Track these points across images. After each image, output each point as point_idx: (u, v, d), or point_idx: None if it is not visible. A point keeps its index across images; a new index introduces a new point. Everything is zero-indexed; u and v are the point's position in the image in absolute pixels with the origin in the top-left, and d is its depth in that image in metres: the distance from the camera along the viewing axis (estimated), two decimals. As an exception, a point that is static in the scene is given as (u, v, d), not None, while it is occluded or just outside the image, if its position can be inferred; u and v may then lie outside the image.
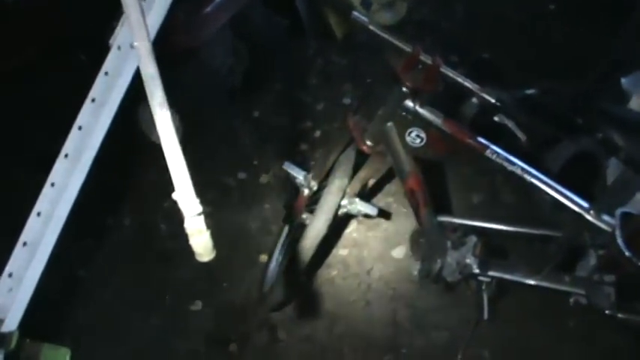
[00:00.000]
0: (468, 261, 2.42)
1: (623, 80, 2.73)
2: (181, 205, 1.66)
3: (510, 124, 2.18)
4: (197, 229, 1.68)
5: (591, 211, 2.23)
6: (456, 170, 3.14)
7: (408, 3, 4.05)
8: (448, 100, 2.27)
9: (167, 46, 2.95)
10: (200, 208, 1.67)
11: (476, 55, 3.71)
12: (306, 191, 2.61)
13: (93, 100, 2.14)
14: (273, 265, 2.79)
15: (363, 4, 3.54)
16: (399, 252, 2.97)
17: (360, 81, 3.56)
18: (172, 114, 3.11)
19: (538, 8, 3.86)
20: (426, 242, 2.49)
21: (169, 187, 1.64)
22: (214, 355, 2.75)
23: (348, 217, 2.91)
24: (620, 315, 2.35)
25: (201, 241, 1.70)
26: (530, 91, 2.47)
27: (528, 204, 2.79)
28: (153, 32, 2.39)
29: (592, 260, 2.40)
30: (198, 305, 2.89)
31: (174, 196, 1.65)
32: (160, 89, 1.67)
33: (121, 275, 3.01)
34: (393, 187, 3.06)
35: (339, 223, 2.96)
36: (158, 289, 2.94)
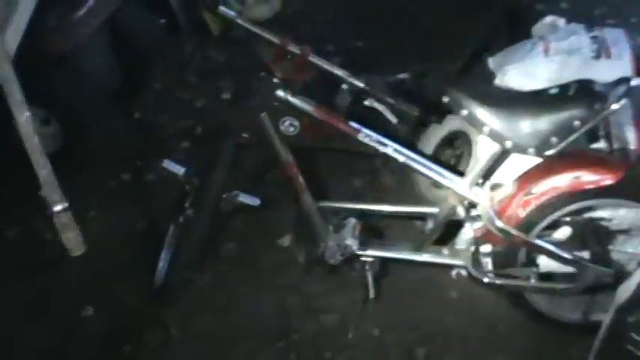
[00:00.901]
0: (348, 242, 2.49)
1: (489, 60, 2.85)
2: (49, 202, 1.66)
3: (381, 107, 2.26)
4: (66, 224, 1.68)
5: (463, 185, 2.34)
6: (337, 157, 3.22)
7: (283, -4, 4.11)
8: (325, 89, 2.33)
9: (41, 50, 2.92)
10: (66, 204, 1.67)
11: (351, 44, 3.80)
12: (187, 187, 2.63)
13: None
14: (162, 263, 2.79)
15: (237, -1, 3.57)
16: (285, 240, 3.03)
17: (238, 75, 3.59)
18: (50, 119, 3.08)
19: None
20: (309, 228, 2.55)
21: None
22: (109, 358, 2.72)
23: (232, 210, 2.93)
24: (497, 282, 2.47)
25: (70, 236, 1.70)
26: (402, 76, 2.55)
27: (407, 184, 2.89)
28: (18, 35, 2.36)
29: (469, 233, 2.52)
30: (89, 311, 2.85)
31: (40, 193, 1.65)
32: (18, 90, 1.64)
33: (10, 288, 2.94)
34: (273, 176, 3.07)
35: (224, 217, 2.98)
36: (46, 299, 2.88)
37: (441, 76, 2.34)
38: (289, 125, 2.30)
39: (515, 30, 3.15)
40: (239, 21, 2.23)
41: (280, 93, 2.26)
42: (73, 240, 1.71)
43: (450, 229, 2.61)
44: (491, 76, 2.75)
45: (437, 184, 2.44)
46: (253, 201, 2.61)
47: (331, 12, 4.06)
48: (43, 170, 1.65)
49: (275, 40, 2.20)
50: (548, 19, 2.87)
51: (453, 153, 2.84)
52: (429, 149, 2.79)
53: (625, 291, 2.21)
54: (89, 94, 3.37)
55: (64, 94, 3.20)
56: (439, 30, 3.67)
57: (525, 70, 2.61)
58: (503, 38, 3.14)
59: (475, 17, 3.65)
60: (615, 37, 2.67)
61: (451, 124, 2.79)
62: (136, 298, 2.84)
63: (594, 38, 2.64)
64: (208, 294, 2.87)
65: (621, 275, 2.33)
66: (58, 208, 1.66)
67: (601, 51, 2.59)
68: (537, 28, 2.89)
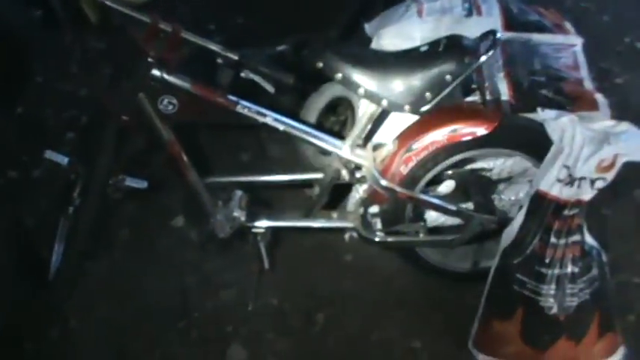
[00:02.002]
0: (235, 214, 2.50)
1: (365, 26, 2.89)
2: None
3: (257, 78, 2.28)
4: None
5: (345, 148, 2.38)
6: (223, 132, 3.22)
7: (159, -22, 4.06)
8: (206, 65, 2.33)
9: None
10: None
11: (231, 21, 3.79)
12: (73, 176, 2.59)
13: None
14: (55, 256, 2.74)
15: (112, -16, 3.51)
16: (178, 221, 3.02)
17: (119, 62, 3.54)
18: None
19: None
20: (198, 206, 2.55)
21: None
22: (9, 356, 2.65)
23: (122, 196, 2.90)
24: (388, 240, 2.52)
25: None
26: (281, 48, 2.57)
27: (294, 154, 2.92)
28: None
29: (356, 195, 2.57)
30: (-15, 311, 2.79)
31: None
32: None
33: None
34: (160, 157, 3.06)
35: (115, 203, 2.96)
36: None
37: (317, 44, 2.35)
38: (168, 104, 2.29)
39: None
40: (108, 3, 2.21)
41: (156, 72, 2.24)
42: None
43: (341, 192, 2.66)
44: (368, 41, 2.80)
45: (322, 151, 2.47)
46: (140, 184, 2.59)
47: (212, -9, 4.04)
48: None
49: (145, 19, 2.18)
50: (422, -19, 2.93)
51: (337, 119, 2.87)
52: (312, 117, 2.81)
53: (508, 236, 2.31)
54: (-35, 93, 3.27)
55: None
56: (319, 1, 3.69)
57: (400, 32, 2.67)
58: (380, 3, 3.18)
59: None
60: (485, -6, 2.75)
61: (332, 90, 2.82)
62: (32, 295, 2.78)
63: (465, -3, 2.73)
64: (106, 282, 2.84)
65: (504, 222, 2.41)
66: None
67: (472, 9, 2.68)
68: (411, -9, 2.94)
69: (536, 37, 2.68)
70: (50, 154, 2.59)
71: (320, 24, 3.24)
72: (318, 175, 2.56)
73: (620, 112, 2.43)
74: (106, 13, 2.29)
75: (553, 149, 2.14)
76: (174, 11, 3.81)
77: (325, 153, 2.53)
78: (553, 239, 2.23)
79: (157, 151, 2.96)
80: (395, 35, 2.68)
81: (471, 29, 2.40)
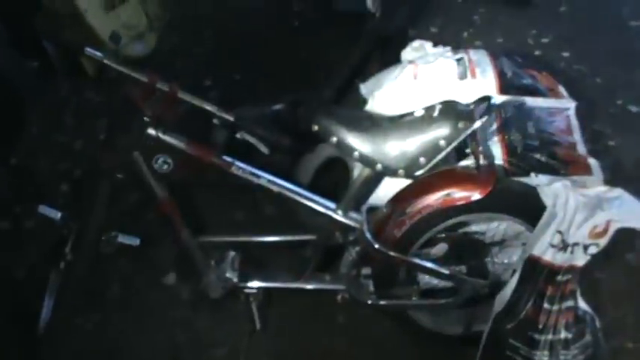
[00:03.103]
0: (228, 275, 2.50)
1: (361, 86, 2.92)
2: None
3: (252, 139, 2.28)
4: None
5: (338, 211, 2.38)
6: (217, 191, 3.23)
7: (158, 33, 4.09)
8: (202, 124, 2.34)
9: None
10: None
11: (228, 77, 3.82)
12: (65, 231, 2.58)
13: None
14: (44, 310, 2.72)
15: (112, 39, 3.53)
16: (170, 279, 3.01)
17: (113, 116, 3.56)
18: None
19: (283, 25, 4.01)
20: (191, 264, 2.54)
21: None
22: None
23: (114, 252, 2.89)
24: (380, 302, 2.51)
25: None
26: (277, 107, 2.58)
27: (289, 213, 2.92)
28: None
29: (349, 257, 2.56)
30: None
31: None
32: None
33: None
34: (153, 214, 3.07)
35: (106, 259, 2.94)
36: None
37: (312, 105, 2.36)
38: (163, 163, 2.30)
39: (386, 55, 3.23)
40: (106, 61, 2.22)
41: (151, 131, 2.25)
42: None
43: (334, 254, 2.66)
44: (362, 101, 2.82)
45: (313, 212, 2.47)
46: (133, 241, 2.58)
47: (208, 46, 4.07)
48: None
49: (143, 78, 2.19)
50: (416, 43, 2.97)
51: (331, 180, 2.88)
52: (306, 178, 2.82)
53: (501, 300, 2.30)
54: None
55: None
56: (315, 60, 3.74)
57: (395, 94, 2.69)
58: (376, 64, 3.21)
59: (351, 46, 3.73)
60: (479, 57, 2.79)
61: (326, 151, 2.83)
62: (19, 348, 2.76)
63: (459, 60, 2.76)
64: (95, 338, 2.83)
65: (497, 285, 2.41)
66: None
67: (466, 71, 2.70)
68: (406, 53, 2.98)
69: (530, 100, 2.69)
70: (43, 209, 2.58)
71: (315, 82, 3.28)
72: (311, 237, 2.56)
73: (614, 174, 2.47)
74: (103, 66, 2.31)
75: (546, 214, 2.14)
76: (172, 65, 3.87)
77: (319, 214, 2.52)
78: (546, 305, 2.22)
79: (150, 207, 2.98)
80: (389, 97, 2.70)
81: (465, 92, 2.42)
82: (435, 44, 2.96)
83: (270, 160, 2.38)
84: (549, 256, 2.16)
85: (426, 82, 2.69)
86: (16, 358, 2.74)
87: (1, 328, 2.82)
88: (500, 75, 2.73)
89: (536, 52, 4.01)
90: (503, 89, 2.68)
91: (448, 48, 2.89)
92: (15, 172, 3.46)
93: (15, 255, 3.08)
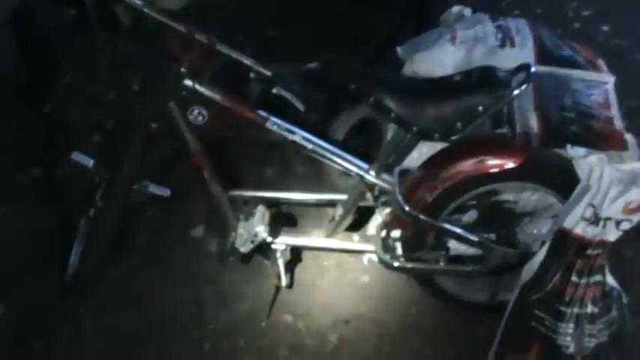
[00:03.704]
0: (257, 230, 2.51)
1: (398, 49, 2.90)
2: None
3: (288, 95, 2.27)
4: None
5: (371, 172, 2.37)
6: (248, 146, 3.23)
7: (193, -15, 4.08)
8: (236, 78, 2.33)
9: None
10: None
11: (262, 34, 3.80)
12: (97, 179, 2.60)
13: None
14: (73, 258, 2.75)
15: (147, -9, 3.54)
16: (198, 231, 3.02)
17: (148, 67, 3.56)
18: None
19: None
20: (220, 218, 2.55)
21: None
22: (22, 356, 2.67)
23: (144, 202, 2.91)
24: (408, 265, 2.51)
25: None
26: (312, 65, 2.57)
27: (319, 172, 2.92)
28: None
29: (379, 218, 2.55)
30: (0, 308, 2.79)
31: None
32: None
33: None
34: (185, 168, 3.06)
35: (136, 209, 2.98)
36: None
37: (349, 65, 2.34)
38: (198, 114, 2.30)
39: (423, 19, 3.20)
40: (146, 10, 2.22)
41: (188, 82, 2.24)
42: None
43: (362, 215, 2.65)
44: (399, 64, 2.80)
45: (345, 171, 2.47)
46: (163, 191, 2.60)
47: (243, 2, 4.05)
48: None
49: (182, 29, 2.18)
50: (456, 8, 2.95)
51: (363, 140, 2.87)
52: (339, 137, 2.82)
53: (529, 271, 2.29)
54: (-4, 88, 3.30)
55: (-30, 91, 3.13)
56: (350, 20, 3.70)
57: (433, 58, 2.67)
58: (412, 28, 3.18)
59: (387, 7, 3.69)
60: (519, 26, 2.76)
61: (359, 112, 2.82)
62: (47, 295, 2.79)
63: (499, 27, 2.73)
64: (121, 287, 2.84)
65: (526, 255, 2.39)
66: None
67: (505, 40, 2.67)
68: (445, 18, 2.96)
69: (569, 72, 2.66)
70: (76, 156, 2.60)
71: (352, 44, 3.25)
72: (342, 197, 2.56)
73: (651, 151, 2.42)
74: (138, 18, 2.30)
75: (580, 187, 2.13)
76: (205, 20, 3.85)
77: (350, 175, 2.52)
78: (574, 278, 2.21)
79: (182, 159, 2.99)
80: (427, 61, 2.68)
81: (504, 60, 2.40)
82: (474, 11, 2.93)
83: (302, 117, 2.37)
84: (580, 230, 2.14)
85: (464, 48, 2.67)
86: (42, 305, 2.76)
87: (31, 275, 2.85)
88: (540, 45, 2.71)
89: (576, 25, 3.95)
90: (542, 59, 2.66)
91: (487, 15, 2.86)
92: (48, 121, 3.47)
93: (46, 203, 3.10)
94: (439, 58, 2.66)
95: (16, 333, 2.72)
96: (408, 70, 2.75)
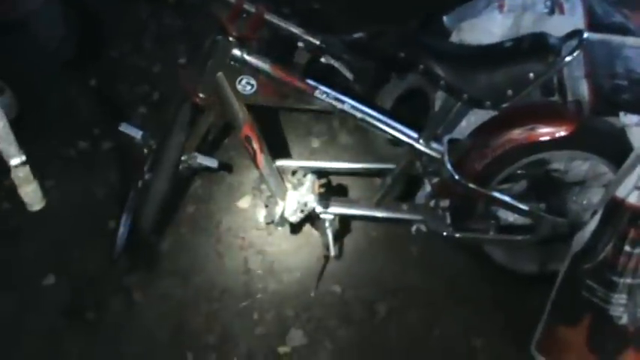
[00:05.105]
0: (307, 199, 2.51)
1: (444, 18, 2.87)
2: (5, 156, 1.65)
3: (337, 64, 2.26)
4: (24, 178, 1.68)
5: (420, 141, 2.36)
6: (294, 117, 3.24)
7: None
8: (283, 47, 2.33)
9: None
10: (24, 157, 1.67)
11: (307, 5, 3.79)
12: (145, 150, 2.62)
13: None
14: (122, 229, 2.78)
15: (192, -39, 3.55)
16: (245, 202, 3.02)
17: (194, 39, 3.57)
18: (4, 88, 3.04)
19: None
20: (267, 187, 2.56)
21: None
22: (73, 326, 2.68)
23: (191, 174, 2.93)
24: (456, 235, 2.50)
25: (29, 190, 1.70)
26: (358, 35, 2.55)
27: (365, 143, 2.91)
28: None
29: (427, 188, 2.54)
30: (50, 279, 2.81)
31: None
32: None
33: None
34: (232, 139, 3.12)
35: (183, 180, 3.00)
36: (6, 269, 2.83)
37: (398, 33, 2.32)
38: (246, 84, 2.29)
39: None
40: (193, -19, 2.21)
41: (236, 52, 2.24)
42: (31, 194, 1.71)
43: (410, 184, 2.65)
44: (447, 33, 2.78)
45: (394, 142, 2.45)
46: (212, 163, 2.62)
47: (287, -25, 4.04)
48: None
49: (231, -1, 2.18)
50: (503, -24, 2.89)
51: (410, 110, 2.86)
52: (386, 106, 2.80)
53: (580, 240, 2.26)
54: (43, 62, 3.32)
55: (18, 64, 3.15)
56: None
57: (480, 27, 2.64)
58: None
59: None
60: (568, -7, 2.70)
61: (408, 80, 2.80)
62: (97, 265, 2.82)
63: (547, -6, 2.68)
64: (170, 258, 2.87)
65: (576, 225, 2.37)
66: (15, 161, 1.66)
67: (554, 7, 2.63)
68: (493, -15, 2.91)
69: (620, 39, 2.62)
70: (125, 127, 2.63)
71: (398, 16, 3.22)
72: (391, 166, 2.55)
73: None
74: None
75: (633, 155, 2.09)
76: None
77: (396, 144, 2.50)
78: (627, 248, 2.17)
79: (227, 130, 3.01)
80: (475, 29, 2.65)
81: (553, 28, 2.36)
82: (523, -22, 2.89)
83: (351, 87, 2.36)
84: (634, 199, 2.11)
85: (513, 16, 2.64)
86: (93, 276, 2.80)
87: (81, 246, 2.88)
88: (590, 12, 2.66)
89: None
90: (593, 26, 2.62)
91: (536, -18, 2.82)
92: (94, 93, 3.50)
93: (94, 175, 3.13)
94: (487, 27, 2.63)
95: (67, 303, 2.75)
96: (455, 39, 2.73)
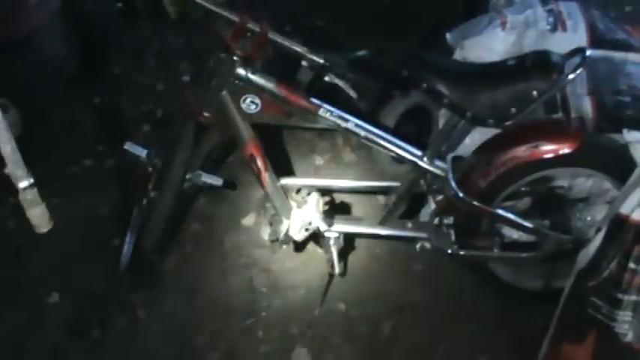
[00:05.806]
0: (311, 218, 2.51)
1: (447, 35, 2.87)
2: (13, 179, 1.66)
3: (341, 83, 2.27)
4: (32, 201, 1.68)
5: (424, 159, 2.36)
6: (297, 135, 3.25)
7: (240, -25, 4.08)
8: (286, 66, 2.34)
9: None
10: (32, 180, 1.67)
11: (309, 23, 3.80)
12: (150, 169, 2.63)
13: None
14: (126, 247, 2.78)
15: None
16: (249, 220, 3.03)
17: (197, 57, 3.58)
18: (8, 106, 3.05)
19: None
20: (272, 206, 2.56)
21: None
22: (77, 343, 2.69)
23: (196, 192, 2.93)
24: (461, 252, 2.51)
25: (37, 212, 1.70)
26: (361, 53, 2.56)
27: (368, 160, 2.92)
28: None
29: (432, 205, 2.55)
30: (54, 297, 2.82)
31: (5, 171, 1.64)
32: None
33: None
34: (236, 157, 3.11)
35: (188, 198, 3.01)
36: (11, 287, 2.84)
37: (400, 51, 2.34)
38: (250, 103, 2.30)
39: (473, 5, 3.17)
40: (199, 0, 2.22)
41: (241, 71, 2.25)
42: (39, 216, 1.71)
43: (414, 202, 2.65)
44: (449, 50, 2.78)
45: (398, 159, 2.46)
46: (216, 181, 2.63)
47: (290, -8, 4.05)
48: (7, 146, 1.64)
49: (234, 17, 2.19)
50: (505, -7, 2.90)
51: (413, 128, 2.86)
52: (389, 124, 2.81)
53: (584, 257, 2.26)
54: (47, 80, 3.33)
55: (22, 81, 3.16)
56: (397, 8, 3.67)
57: (483, 44, 2.64)
58: (462, 14, 3.15)
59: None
60: (570, 9, 2.71)
61: (411, 98, 2.81)
62: (102, 283, 2.83)
63: (550, 12, 2.69)
64: (174, 275, 2.87)
65: (581, 242, 2.36)
66: (23, 184, 1.66)
67: (557, 24, 2.64)
68: (494, 3, 2.92)
69: (623, 55, 2.62)
70: (130, 146, 2.64)
71: (400, 33, 3.23)
72: (396, 184, 2.55)
73: None
74: (185, 8, 2.32)
75: (637, 172, 2.09)
76: (252, 9, 3.85)
77: (400, 162, 2.51)
78: (632, 265, 2.16)
79: (231, 148, 3.01)
80: (478, 46, 2.66)
81: (556, 45, 2.37)
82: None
83: (354, 105, 2.37)
84: (638, 215, 2.10)
85: (515, 33, 2.64)
86: (97, 294, 2.80)
87: (85, 264, 2.88)
88: (592, 28, 2.66)
89: (628, 9, 3.88)
90: (595, 43, 2.61)
91: (538, -1, 2.82)
92: (98, 111, 3.51)
93: (98, 193, 3.14)
94: (490, 44, 2.63)
95: (71, 321, 2.75)
96: (458, 56, 2.73)
